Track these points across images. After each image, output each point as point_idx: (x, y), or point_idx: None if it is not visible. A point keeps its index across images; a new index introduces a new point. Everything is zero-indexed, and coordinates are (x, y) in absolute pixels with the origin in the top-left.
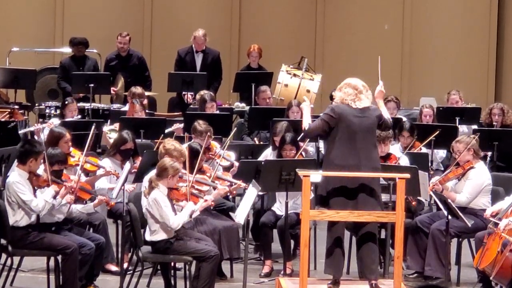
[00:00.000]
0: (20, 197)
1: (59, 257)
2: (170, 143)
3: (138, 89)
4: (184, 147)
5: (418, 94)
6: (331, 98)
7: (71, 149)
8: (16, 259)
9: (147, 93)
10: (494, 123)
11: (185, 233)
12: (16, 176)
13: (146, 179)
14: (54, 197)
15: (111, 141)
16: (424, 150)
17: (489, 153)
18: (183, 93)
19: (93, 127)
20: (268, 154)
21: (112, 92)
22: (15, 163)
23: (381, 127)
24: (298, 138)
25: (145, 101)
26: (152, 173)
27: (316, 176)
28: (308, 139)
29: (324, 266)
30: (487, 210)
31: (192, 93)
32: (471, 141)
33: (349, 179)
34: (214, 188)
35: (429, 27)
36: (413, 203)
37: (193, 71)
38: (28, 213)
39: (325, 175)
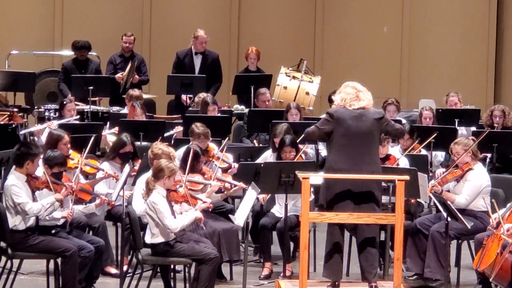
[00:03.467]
0: (14, 199)
1: (59, 260)
2: (158, 147)
3: (136, 92)
4: (184, 149)
5: (417, 96)
6: (330, 100)
7: (70, 151)
8: (16, 262)
9: (147, 96)
10: (495, 124)
11: (184, 236)
12: (14, 179)
13: (140, 181)
14: (53, 204)
15: (111, 144)
16: (423, 152)
17: (489, 155)
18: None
19: (92, 137)
20: (267, 156)
21: (119, 76)
22: (14, 166)
23: (391, 134)
24: (298, 140)
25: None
26: (146, 175)
27: (315, 178)
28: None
29: (323, 269)
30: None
31: (190, 95)
32: (469, 142)
33: (349, 184)
34: (207, 186)
35: (428, 28)
36: (412, 201)
37: (191, 73)
38: (25, 216)
39: (325, 181)
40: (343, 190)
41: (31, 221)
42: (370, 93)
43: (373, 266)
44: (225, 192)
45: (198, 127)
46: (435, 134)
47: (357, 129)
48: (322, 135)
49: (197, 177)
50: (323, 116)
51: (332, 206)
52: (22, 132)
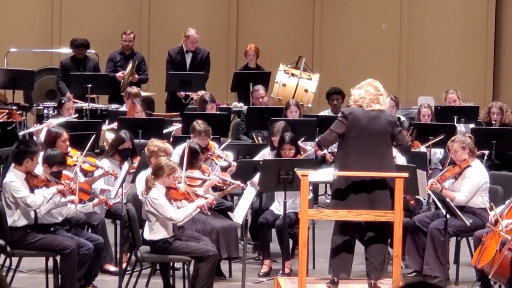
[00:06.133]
0: (15, 195)
1: (58, 258)
2: (153, 145)
3: (134, 89)
4: (183, 147)
5: (416, 93)
6: (327, 97)
7: (69, 149)
8: (15, 260)
9: (146, 94)
10: (492, 121)
11: (183, 233)
12: (12, 176)
13: (139, 178)
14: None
15: (110, 141)
16: (422, 149)
17: (486, 152)
18: (181, 92)
19: (92, 137)
20: (266, 154)
21: (120, 75)
22: (13, 164)
23: (398, 144)
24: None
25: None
26: (145, 172)
27: (314, 175)
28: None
29: (330, 266)
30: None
31: (187, 92)
32: (466, 140)
33: (362, 182)
34: (206, 181)
35: (427, 26)
36: (412, 202)
37: (183, 71)
38: (26, 212)
39: (339, 178)
40: (355, 187)
41: (31, 218)
42: (389, 98)
43: (381, 263)
44: (224, 190)
45: (199, 124)
46: (441, 137)
47: (372, 130)
48: (337, 137)
49: (196, 173)
50: (340, 118)
51: (343, 203)
52: (21, 133)
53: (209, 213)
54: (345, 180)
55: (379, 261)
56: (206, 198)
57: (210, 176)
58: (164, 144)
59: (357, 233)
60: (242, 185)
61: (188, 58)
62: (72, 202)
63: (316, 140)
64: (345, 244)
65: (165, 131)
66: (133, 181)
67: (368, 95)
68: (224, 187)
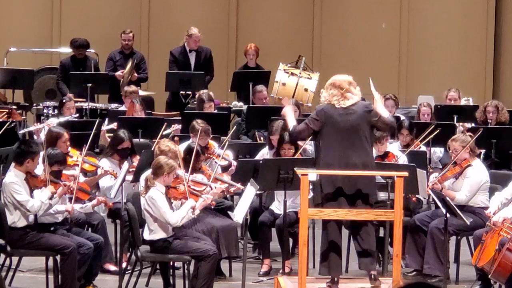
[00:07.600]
0: (15, 197)
1: (58, 257)
2: (165, 144)
3: (131, 87)
4: (183, 147)
5: (415, 92)
6: None
7: (70, 149)
8: (15, 259)
9: (145, 93)
10: (488, 120)
11: (183, 232)
12: (13, 176)
13: (142, 178)
14: (51, 198)
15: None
16: (422, 148)
17: (483, 150)
18: (181, 92)
19: (95, 125)
20: (264, 153)
21: (119, 74)
22: (13, 163)
23: (383, 130)
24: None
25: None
26: (148, 172)
27: (314, 175)
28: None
29: (320, 267)
30: (490, 208)
31: (188, 92)
32: (467, 139)
33: (340, 182)
34: (210, 188)
35: (427, 25)
36: (413, 199)
37: (187, 71)
38: (25, 214)
39: (319, 179)
40: (336, 188)
41: (30, 219)
42: (359, 87)
43: (369, 253)
44: (224, 192)
45: (199, 123)
46: (437, 132)
47: (345, 124)
48: (311, 133)
49: (199, 177)
50: (312, 114)
51: (325, 201)
52: (21, 132)
53: (195, 215)
54: (330, 180)
55: (369, 251)
56: (205, 199)
57: (211, 179)
58: (175, 146)
59: (341, 231)
60: (241, 187)
61: (192, 57)
62: (67, 212)
63: (290, 129)
64: (330, 244)
65: (164, 133)
66: (137, 180)
67: (333, 97)
68: (226, 193)
